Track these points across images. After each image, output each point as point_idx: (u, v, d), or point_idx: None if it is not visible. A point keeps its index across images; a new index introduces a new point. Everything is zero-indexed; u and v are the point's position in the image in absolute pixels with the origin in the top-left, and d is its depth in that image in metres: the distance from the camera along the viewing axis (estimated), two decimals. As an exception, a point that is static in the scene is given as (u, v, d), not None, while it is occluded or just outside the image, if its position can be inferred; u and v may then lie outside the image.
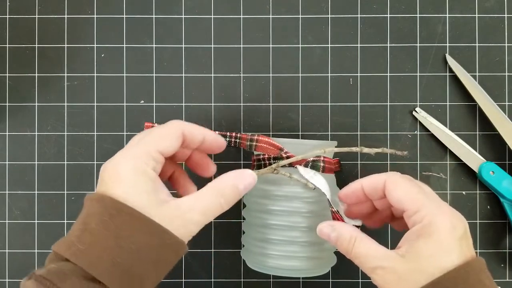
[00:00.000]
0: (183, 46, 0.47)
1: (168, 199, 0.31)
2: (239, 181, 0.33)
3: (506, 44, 0.46)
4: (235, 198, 0.33)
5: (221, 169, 0.46)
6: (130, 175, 0.30)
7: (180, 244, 0.30)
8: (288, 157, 0.38)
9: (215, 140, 0.36)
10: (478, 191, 0.46)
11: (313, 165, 0.38)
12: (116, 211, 0.29)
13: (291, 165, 0.39)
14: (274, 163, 0.39)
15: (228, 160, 0.46)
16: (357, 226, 0.37)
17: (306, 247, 0.39)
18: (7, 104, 0.47)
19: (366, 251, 0.32)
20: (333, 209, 0.37)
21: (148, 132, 0.33)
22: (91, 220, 0.30)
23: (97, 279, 0.28)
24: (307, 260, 0.39)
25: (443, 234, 0.30)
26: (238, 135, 0.41)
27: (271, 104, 0.47)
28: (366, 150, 0.38)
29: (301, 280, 0.46)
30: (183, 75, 0.47)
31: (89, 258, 0.28)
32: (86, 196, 0.32)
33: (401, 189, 0.33)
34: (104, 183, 0.31)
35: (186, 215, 0.31)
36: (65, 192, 0.46)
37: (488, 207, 0.46)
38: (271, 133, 0.46)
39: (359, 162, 0.46)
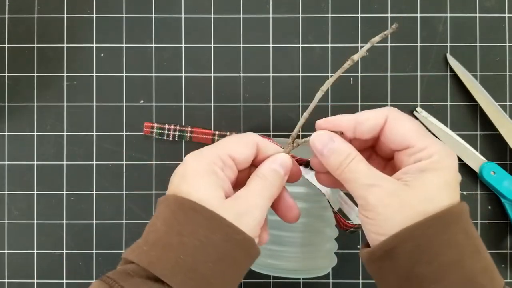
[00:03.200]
0: (183, 46, 0.46)
1: (230, 194, 0.30)
2: (277, 165, 0.32)
3: (507, 44, 0.46)
4: (281, 184, 0.32)
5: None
6: (195, 172, 0.29)
7: (248, 241, 0.29)
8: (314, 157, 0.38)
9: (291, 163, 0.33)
10: (479, 191, 0.46)
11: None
12: (177, 207, 0.28)
13: None
14: None
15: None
16: (357, 225, 0.36)
17: (304, 248, 0.38)
18: (6, 104, 0.47)
19: (362, 169, 0.29)
20: (334, 210, 0.37)
21: (221, 140, 0.32)
22: (157, 221, 0.29)
23: (160, 278, 0.27)
24: (306, 260, 0.39)
25: (451, 172, 0.29)
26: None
27: (271, 104, 0.46)
28: (356, 56, 0.34)
29: (301, 280, 0.46)
30: (183, 75, 0.46)
31: (150, 258, 0.28)
32: (158, 199, 0.31)
33: (407, 125, 0.30)
34: (172, 184, 0.31)
35: (244, 209, 0.29)
36: (64, 192, 0.46)
37: (489, 207, 0.46)
38: (271, 133, 0.46)
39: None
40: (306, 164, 0.38)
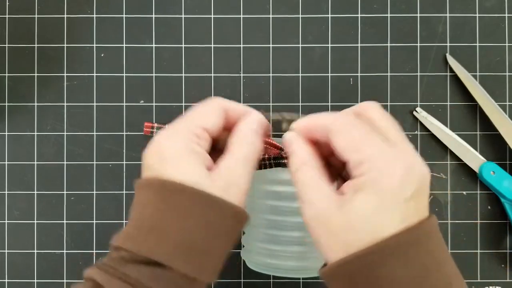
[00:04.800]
0: (183, 46, 0.46)
1: (213, 168, 0.30)
2: (250, 125, 0.32)
3: (506, 44, 0.46)
4: (259, 143, 0.32)
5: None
6: (174, 153, 0.29)
7: (240, 212, 0.29)
8: (288, 157, 0.38)
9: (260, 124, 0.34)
10: (478, 191, 0.46)
11: None
12: (167, 191, 0.28)
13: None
14: (274, 163, 0.38)
15: (228, 160, 0.46)
16: None
17: (304, 247, 0.39)
18: (6, 104, 0.47)
19: (306, 180, 0.28)
20: None
21: (188, 113, 0.32)
22: (145, 207, 0.29)
23: (158, 262, 0.28)
24: (305, 259, 0.39)
25: (387, 192, 0.25)
26: None
27: (271, 104, 0.46)
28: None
29: (301, 280, 0.46)
30: (183, 75, 0.47)
31: (149, 245, 0.28)
32: (135, 184, 0.31)
33: (341, 138, 0.28)
34: (150, 168, 0.30)
35: (233, 177, 0.29)
36: (65, 192, 0.46)
37: (489, 207, 0.46)
38: (271, 133, 0.46)
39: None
40: None
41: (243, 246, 0.42)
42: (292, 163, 0.30)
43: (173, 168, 0.29)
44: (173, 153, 0.29)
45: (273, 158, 0.39)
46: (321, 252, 0.28)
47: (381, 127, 0.28)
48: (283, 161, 0.38)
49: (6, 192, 0.46)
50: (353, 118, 0.29)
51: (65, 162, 0.46)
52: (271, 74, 0.47)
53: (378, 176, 0.26)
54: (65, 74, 0.47)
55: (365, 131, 0.27)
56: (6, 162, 0.46)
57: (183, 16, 0.47)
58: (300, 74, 0.46)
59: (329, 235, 0.26)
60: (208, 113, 0.32)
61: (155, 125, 0.46)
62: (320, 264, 0.40)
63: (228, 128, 0.33)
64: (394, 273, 0.25)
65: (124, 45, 0.47)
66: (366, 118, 0.29)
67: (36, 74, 0.47)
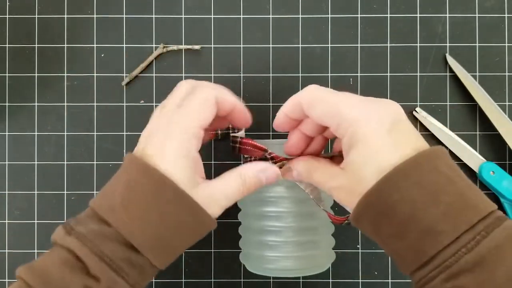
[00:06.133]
0: (183, 46, 0.46)
1: (201, 181, 0.33)
2: (263, 174, 0.34)
3: (506, 44, 0.46)
4: (256, 188, 0.34)
5: (221, 169, 0.46)
6: (175, 153, 0.31)
7: (213, 222, 0.32)
8: (272, 158, 0.38)
9: (244, 113, 0.36)
10: (478, 191, 0.46)
11: None
12: (161, 186, 0.30)
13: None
14: None
15: (229, 160, 0.46)
16: (346, 218, 0.36)
17: (302, 246, 0.39)
18: (7, 104, 0.47)
19: (320, 178, 0.33)
20: (322, 208, 0.37)
21: (186, 102, 0.33)
22: (136, 189, 0.31)
23: (135, 248, 0.30)
24: (305, 258, 0.39)
25: (368, 136, 0.29)
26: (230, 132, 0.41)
27: (271, 104, 0.46)
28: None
29: (301, 280, 0.46)
30: (183, 75, 0.47)
31: (132, 229, 0.30)
32: (127, 156, 0.32)
33: (317, 107, 0.31)
34: (148, 153, 0.31)
35: (216, 197, 0.32)
36: (65, 192, 0.46)
37: (488, 207, 0.46)
38: (271, 133, 0.46)
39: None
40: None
41: (242, 250, 0.42)
42: (303, 177, 0.34)
43: (166, 164, 0.31)
44: (171, 151, 0.31)
45: (258, 160, 0.38)
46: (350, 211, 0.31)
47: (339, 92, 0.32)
48: (268, 162, 0.37)
49: (7, 192, 0.46)
50: (316, 87, 0.32)
51: (65, 162, 0.46)
52: (271, 74, 0.47)
53: (356, 128, 0.29)
54: (65, 74, 0.47)
55: (332, 91, 0.31)
56: (7, 162, 0.46)
57: (183, 16, 0.47)
58: (300, 74, 0.47)
59: (348, 197, 0.30)
60: (205, 108, 0.33)
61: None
62: (320, 261, 0.40)
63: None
64: (408, 194, 0.27)
65: (124, 45, 0.47)
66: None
67: (36, 74, 0.47)
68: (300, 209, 0.39)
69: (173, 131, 0.32)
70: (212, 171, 0.46)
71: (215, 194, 0.33)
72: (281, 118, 0.35)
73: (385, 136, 0.29)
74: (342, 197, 0.31)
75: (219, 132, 0.43)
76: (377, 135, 0.29)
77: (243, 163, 0.40)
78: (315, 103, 0.31)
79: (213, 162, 0.46)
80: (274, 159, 0.38)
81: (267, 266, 0.39)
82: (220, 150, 0.46)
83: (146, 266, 0.31)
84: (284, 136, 0.46)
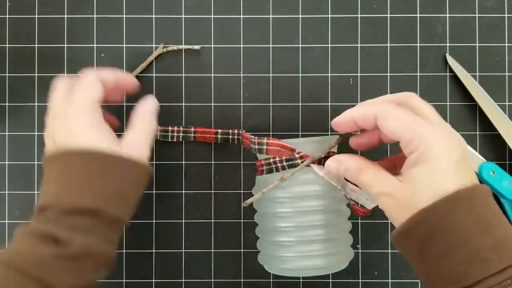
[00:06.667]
0: (183, 46, 0.46)
1: (119, 140, 0.36)
2: (148, 105, 0.39)
3: (506, 44, 0.46)
4: (153, 118, 0.39)
5: (222, 169, 0.46)
6: (86, 127, 0.35)
7: (148, 168, 0.37)
8: (301, 157, 0.38)
9: (128, 78, 0.41)
10: (478, 191, 0.46)
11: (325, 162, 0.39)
12: (91, 158, 0.34)
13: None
14: (287, 164, 0.39)
15: (229, 160, 0.46)
16: (373, 210, 0.38)
17: (324, 244, 0.39)
18: (7, 104, 0.47)
19: (370, 180, 0.33)
20: (351, 201, 0.38)
21: (73, 88, 0.37)
22: (69, 172, 0.34)
23: (88, 212, 0.33)
24: (326, 257, 0.39)
25: (438, 159, 0.30)
26: (240, 132, 0.43)
27: (271, 104, 0.46)
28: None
29: (300, 280, 0.46)
30: (183, 75, 0.47)
31: (85, 196, 0.33)
32: (45, 158, 0.36)
33: (392, 121, 0.32)
34: (59, 141, 0.35)
35: (138, 145, 0.37)
36: (65, 192, 0.46)
37: (488, 207, 0.46)
38: (271, 133, 0.46)
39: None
40: (319, 162, 0.39)
41: (260, 252, 0.43)
42: (351, 174, 0.35)
43: (85, 140, 0.34)
44: (82, 126, 0.35)
45: (285, 160, 0.39)
46: (395, 225, 0.32)
47: (421, 109, 0.33)
48: (296, 161, 0.38)
49: (7, 192, 0.46)
50: (396, 104, 0.33)
51: (65, 162, 0.46)
52: (271, 74, 0.47)
53: (429, 148, 0.30)
54: (65, 74, 0.47)
55: (410, 113, 0.32)
56: (7, 162, 0.46)
57: (183, 16, 0.47)
58: (300, 74, 0.47)
59: (397, 208, 0.31)
60: (95, 85, 0.37)
61: (159, 128, 0.45)
62: (339, 259, 0.40)
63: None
64: (463, 220, 0.29)
65: (124, 45, 0.47)
66: (408, 104, 0.33)
67: (36, 74, 0.47)
68: (328, 205, 0.39)
69: (74, 112, 0.35)
70: (212, 171, 0.46)
71: (136, 143, 0.37)
72: (346, 120, 0.35)
73: (452, 165, 0.30)
74: (390, 204, 0.32)
75: (219, 136, 0.45)
76: (447, 161, 0.30)
77: (260, 165, 0.40)
78: (391, 117, 0.32)
79: (213, 162, 0.46)
80: (302, 158, 0.38)
81: (289, 265, 0.39)
82: (220, 151, 0.46)
83: (104, 225, 0.34)
84: (295, 137, 0.46)
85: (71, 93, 0.36)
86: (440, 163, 0.30)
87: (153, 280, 0.46)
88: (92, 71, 0.38)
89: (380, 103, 0.33)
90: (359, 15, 0.47)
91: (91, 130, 0.35)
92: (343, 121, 0.35)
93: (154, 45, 0.47)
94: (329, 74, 0.47)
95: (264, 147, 0.39)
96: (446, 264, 0.30)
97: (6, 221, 0.46)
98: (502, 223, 0.30)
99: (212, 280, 0.46)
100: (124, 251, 0.46)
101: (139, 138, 0.37)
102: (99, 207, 0.33)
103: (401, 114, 0.32)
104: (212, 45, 0.47)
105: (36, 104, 0.47)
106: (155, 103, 0.40)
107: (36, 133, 0.46)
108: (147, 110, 0.39)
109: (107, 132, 0.36)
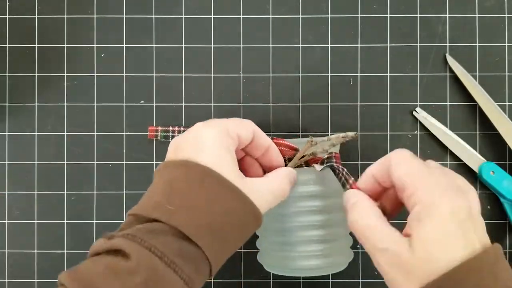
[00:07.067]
0: (183, 46, 0.46)
1: (244, 175, 0.33)
2: (291, 175, 0.36)
3: (506, 44, 0.46)
4: (289, 189, 0.36)
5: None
6: (214, 145, 0.32)
7: (259, 212, 0.32)
8: (303, 157, 0.39)
9: (277, 155, 0.37)
10: (478, 191, 0.46)
11: (328, 162, 0.39)
12: (205, 176, 0.31)
13: (307, 164, 0.40)
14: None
15: (228, 160, 0.46)
16: None
17: (324, 244, 0.39)
18: (7, 104, 0.47)
19: (369, 232, 0.30)
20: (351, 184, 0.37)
21: (222, 119, 0.34)
22: (178, 183, 0.31)
23: (187, 238, 0.29)
24: (326, 257, 0.39)
25: (443, 217, 0.28)
26: None
27: (271, 104, 0.46)
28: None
29: (300, 280, 0.46)
30: (183, 75, 0.47)
31: (182, 218, 0.29)
32: (160, 165, 0.33)
33: (402, 167, 0.30)
34: (184, 151, 0.32)
35: (261, 192, 0.33)
36: (65, 192, 0.46)
37: (488, 207, 0.46)
38: (271, 133, 0.46)
39: (359, 161, 0.46)
40: (322, 162, 0.39)
41: (259, 251, 0.43)
42: (355, 217, 0.32)
43: (207, 157, 0.31)
44: (210, 143, 0.32)
45: (288, 160, 0.39)
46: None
47: (431, 163, 0.32)
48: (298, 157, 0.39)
49: (7, 192, 0.46)
50: (410, 153, 0.32)
51: (65, 162, 0.46)
52: (271, 74, 0.47)
53: (432, 201, 0.28)
54: (65, 74, 0.47)
55: (418, 161, 0.31)
56: (7, 162, 0.46)
57: (183, 16, 0.47)
58: (300, 74, 0.47)
59: (405, 275, 0.28)
60: (243, 125, 0.34)
61: (159, 128, 0.45)
62: (339, 260, 0.40)
63: (248, 151, 0.36)
64: (482, 282, 0.27)
65: (124, 45, 0.47)
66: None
67: (36, 74, 0.47)
68: (329, 206, 0.39)
69: (209, 128, 0.32)
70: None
71: (261, 190, 0.33)
72: (366, 178, 0.34)
73: (458, 226, 0.28)
74: (388, 264, 0.29)
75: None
76: (452, 221, 0.28)
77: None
78: (403, 163, 0.31)
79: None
80: (303, 157, 0.39)
81: (290, 265, 0.39)
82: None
83: (199, 260, 0.30)
84: (295, 137, 0.46)
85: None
86: (445, 222, 0.28)
87: (153, 280, 0.46)
88: (251, 122, 0.36)
89: (397, 150, 0.32)
90: (359, 15, 0.47)
91: (217, 148, 0.32)
92: (364, 180, 0.34)
93: (154, 45, 0.47)
94: (329, 74, 0.47)
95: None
96: None
97: (6, 221, 0.46)
98: None
99: (212, 280, 0.46)
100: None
101: (265, 185, 0.33)
102: (194, 235, 0.29)
103: (412, 161, 0.31)
104: (212, 45, 0.47)
105: (36, 104, 0.47)
106: (294, 176, 0.37)
107: (36, 133, 0.46)
108: (286, 173, 0.36)
109: (234, 158, 0.33)
